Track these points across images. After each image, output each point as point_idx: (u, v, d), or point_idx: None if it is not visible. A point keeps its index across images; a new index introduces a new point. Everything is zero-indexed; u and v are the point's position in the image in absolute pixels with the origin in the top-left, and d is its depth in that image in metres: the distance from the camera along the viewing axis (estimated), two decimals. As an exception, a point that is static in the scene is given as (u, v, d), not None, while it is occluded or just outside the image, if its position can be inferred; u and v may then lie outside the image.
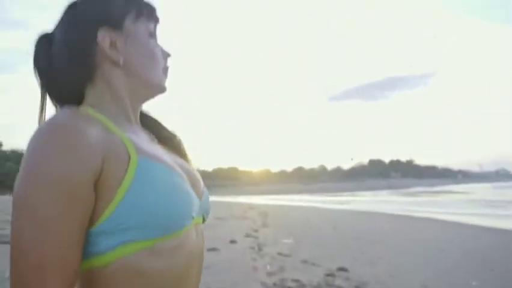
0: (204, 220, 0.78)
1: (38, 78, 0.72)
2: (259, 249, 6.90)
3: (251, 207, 18.57)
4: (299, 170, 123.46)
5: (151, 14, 0.76)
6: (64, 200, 0.55)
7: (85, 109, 0.65)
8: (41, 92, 0.72)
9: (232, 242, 7.59)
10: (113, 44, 0.69)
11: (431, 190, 50.44)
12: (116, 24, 0.70)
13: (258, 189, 60.80)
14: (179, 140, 0.85)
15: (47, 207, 0.54)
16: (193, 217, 0.68)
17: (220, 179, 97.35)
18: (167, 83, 0.79)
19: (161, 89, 0.77)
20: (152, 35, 0.76)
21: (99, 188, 0.59)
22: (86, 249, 0.59)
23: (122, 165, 0.60)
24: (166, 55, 0.78)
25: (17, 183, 0.57)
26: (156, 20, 0.77)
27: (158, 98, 0.80)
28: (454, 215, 14.00)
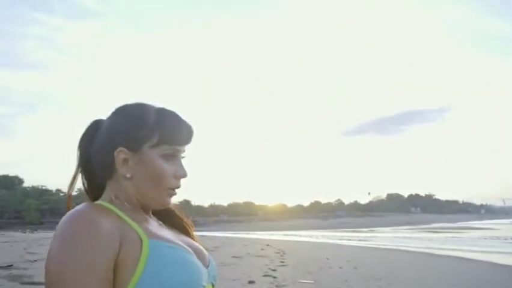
0: (213, 286, 0.89)
1: (78, 155, 0.88)
2: (278, 290, 6.77)
3: (268, 244, 18.28)
4: (316, 205, 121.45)
5: (175, 141, 0.86)
6: (87, 283, 0.67)
7: (101, 202, 0.82)
8: (76, 168, 0.88)
9: (251, 282, 7.48)
10: (125, 161, 0.83)
11: (452, 226, 48.86)
12: (134, 147, 0.83)
13: (274, 224, 59.93)
14: (185, 222, 0.98)
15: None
16: (203, 286, 0.79)
17: (236, 215, 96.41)
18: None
19: (162, 206, 0.88)
20: (171, 157, 0.85)
21: (118, 268, 0.71)
22: None
23: (136, 247, 0.73)
24: (180, 176, 0.87)
25: (49, 263, 0.70)
26: (185, 143, 0.88)
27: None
28: (477, 253, 13.52)
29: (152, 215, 0.91)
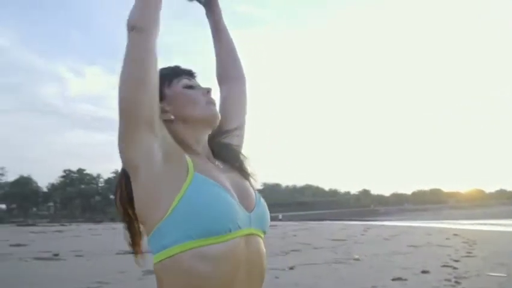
0: (264, 233, 0.91)
1: None
2: (457, 282, 5.98)
3: (455, 233, 16.34)
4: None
5: (178, 74, 0.99)
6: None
7: None
8: None
9: (424, 272, 6.83)
10: (163, 110, 0.92)
11: None
12: (159, 98, 0.90)
13: (467, 213, 53.02)
14: (242, 160, 1.01)
15: None
16: (239, 226, 0.81)
17: (422, 203, 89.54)
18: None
19: (211, 117, 0.97)
20: (187, 84, 0.97)
21: (165, 174, 0.82)
22: (159, 242, 0.79)
23: (185, 172, 0.83)
24: (206, 91, 0.98)
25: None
26: (185, 73, 1.00)
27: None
28: None
29: (213, 158, 0.97)
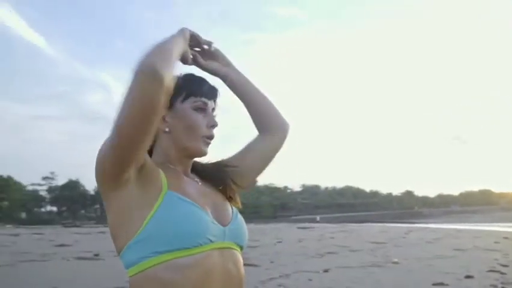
0: (240, 248, 0.94)
1: None
2: (504, 288, 5.58)
3: (505, 236, 15.36)
4: None
5: (199, 93, 0.96)
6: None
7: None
8: None
9: (468, 277, 6.44)
10: (163, 118, 0.93)
11: None
12: (167, 105, 0.90)
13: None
14: (220, 176, 1.02)
15: None
16: (210, 240, 0.85)
17: (470, 204, 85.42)
18: None
19: (199, 155, 0.98)
20: (201, 109, 0.96)
21: (141, 192, 0.84)
22: (130, 258, 0.83)
23: (158, 191, 0.85)
24: (210, 125, 0.96)
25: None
26: (205, 94, 0.97)
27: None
28: None
29: (191, 173, 0.99)
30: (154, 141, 0.95)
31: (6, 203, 52.68)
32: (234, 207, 0.99)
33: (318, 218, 45.94)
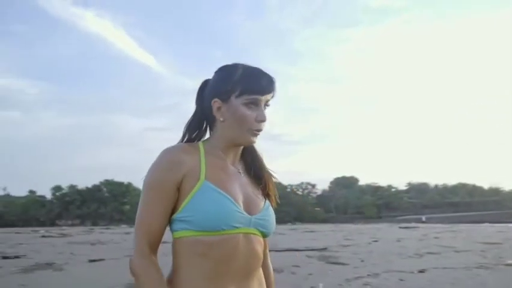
0: (264, 235, 1.10)
1: (194, 108, 1.17)
2: None
3: None
4: None
5: (255, 90, 1.07)
6: (156, 194, 1.02)
7: (196, 142, 1.12)
8: (191, 117, 1.15)
9: None
10: (219, 109, 1.08)
11: None
12: (224, 98, 1.08)
13: None
14: (262, 174, 1.17)
15: (148, 197, 1.03)
16: (234, 226, 1.01)
17: None
18: None
19: (247, 143, 1.11)
20: (253, 105, 1.07)
21: (180, 192, 1.02)
22: (173, 227, 1.04)
23: (193, 182, 1.02)
24: (260, 120, 1.07)
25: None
26: (265, 93, 1.08)
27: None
28: None
29: (238, 160, 1.15)
30: (213, 126, 1.12)
31: (127, 206, 58.44)
32: (266, 200, 1.13)
33: (423, 218, 42.40)
